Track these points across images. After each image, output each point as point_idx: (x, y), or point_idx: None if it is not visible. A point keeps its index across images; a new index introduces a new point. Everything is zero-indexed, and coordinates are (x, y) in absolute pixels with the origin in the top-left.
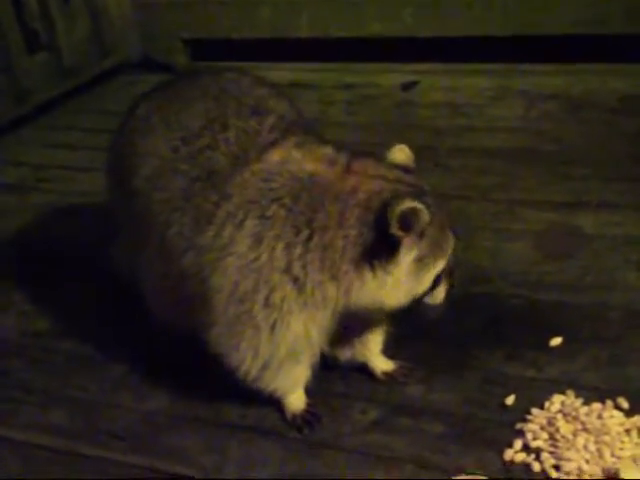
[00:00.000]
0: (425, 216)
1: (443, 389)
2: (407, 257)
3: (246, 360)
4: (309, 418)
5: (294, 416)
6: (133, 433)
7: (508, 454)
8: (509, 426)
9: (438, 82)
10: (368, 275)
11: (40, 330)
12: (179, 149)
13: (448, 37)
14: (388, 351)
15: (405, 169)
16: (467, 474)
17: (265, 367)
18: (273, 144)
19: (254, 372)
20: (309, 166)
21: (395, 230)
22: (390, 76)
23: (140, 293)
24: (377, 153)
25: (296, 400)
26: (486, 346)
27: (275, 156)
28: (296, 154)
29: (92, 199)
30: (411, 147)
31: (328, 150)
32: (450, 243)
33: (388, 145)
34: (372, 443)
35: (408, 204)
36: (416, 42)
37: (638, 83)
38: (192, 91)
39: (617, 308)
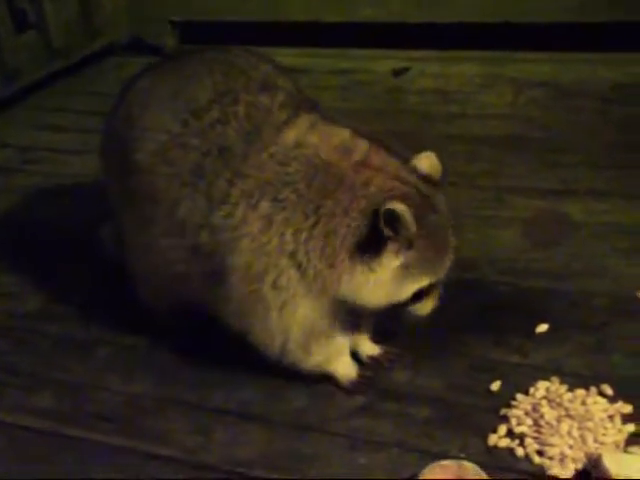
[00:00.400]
0: (408, 222)
1: (429, 374)
2: (392, 261)
3: (264, 339)
4: (365, 380)
5: (350, 382)
6: (119, 415)
7: (492, 439)
8: (494, 412)
9: (429, 69)
10: (357, 268)
11: (27, 312)
12: (188, 122)
13: (439, 23)
14: (376, 336)
15: (426, 178)
16: (452, 459)
17: (286, 346)
18: (287, 123)
19: (276, 351)
20: (325, 153)
21: (383, 228)
22: (382, 62)
23: (129, 276)
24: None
25: (344, 369)
26: (473, 332)
27: (290, 137)
28: (312, 138)
29: (79, 181)
30: (400, 133)
31: (345, 135)
32: (444, 268)
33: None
34: (357, 427)
35: (394, 205)
36: (408, 28)
37: (628, 72)
38: (198, 65)
39: (603, 295)
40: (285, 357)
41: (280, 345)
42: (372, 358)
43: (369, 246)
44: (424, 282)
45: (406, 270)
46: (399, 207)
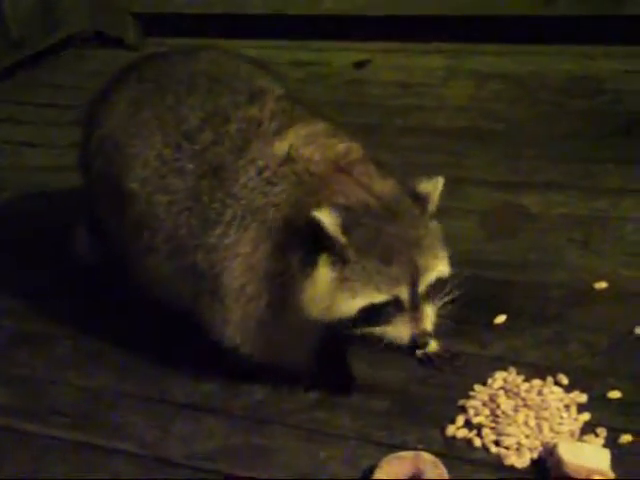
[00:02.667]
0: (329, 232)
1: (388, 367)
2: (325, 272)
3: (258, 352)
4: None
5: (311, 384)
6: (77, 410)
7: (450, 430)
8: (452, 403)
9: (390, 61)
10: (303, 280)
11: None
12: (182, 147)
13: (401, 16)
14: None
15: (415, 197)
16: (410, 450)
17: (276, 353)
18: (278, 134)
19: (268, 360)
20: (314, 168)
21: (310, 238)
22: (343, 54)
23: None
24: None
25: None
26: None
27: (281, 150)
28: (304, 151)
29: (37, 175)
30: (361, 126)
31: (340, 148)
32: (394, 285)
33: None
34: (317, 419)
35: (317, 213)
36: (369, 21)
37: (587, 64)
38: (178, 81)
39: (560, 286)
40: (273, 362)
41: (271, 355)
42: (428, 356)
43: (309, 257)
44: (370, 300)
45: (343, 283)
46: (321, 216)
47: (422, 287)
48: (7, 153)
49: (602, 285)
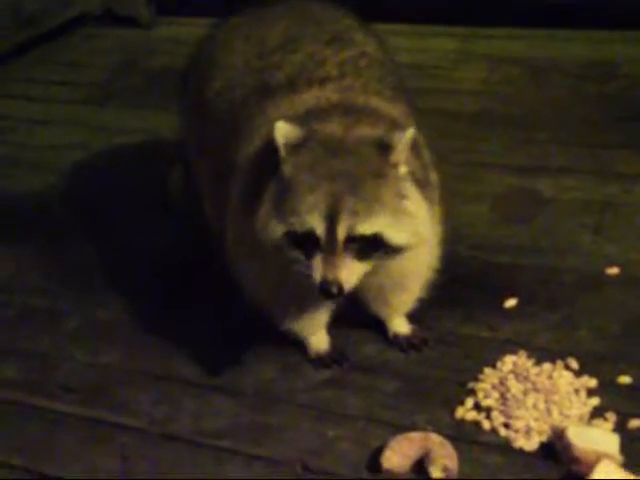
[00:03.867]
0: (279, 141)
1: (398, 348)
2: (271, 190)
3: (244, 286)
4: (335, 356)
5: (318, 355)
6: (85, 386)
7: (459, 412)
8: (461, 385)
9: (402, 44)
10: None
11: None
12: (250, 63)
13: None
14: (350, 309)
15: (380, 143)
16: (418, 431)
17: (271, 301)
18: (321, 82)
19: (255, 301)
20: (330, 128)
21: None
22: None
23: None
24: None
25: (319, 341)
26: (442, 307)
27: (311, 98)
28: (331, 111)
29: (49, 152)
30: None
31: (367, 129)
32: (309, 214)
33: None
34: (325, 399)
35: (277, 124)
36: (382, 2)
37: (601, 49)
38: (278, 11)
39: (571, 271)
40: (275, 317)
41: (255, 295)
42: (397, 337)
43: (270, 175)
44: (289, 225)
45: (277, 205)
46: (279, 126)
47: (342, 230)
48: (20, 130)
49: (614, 270)
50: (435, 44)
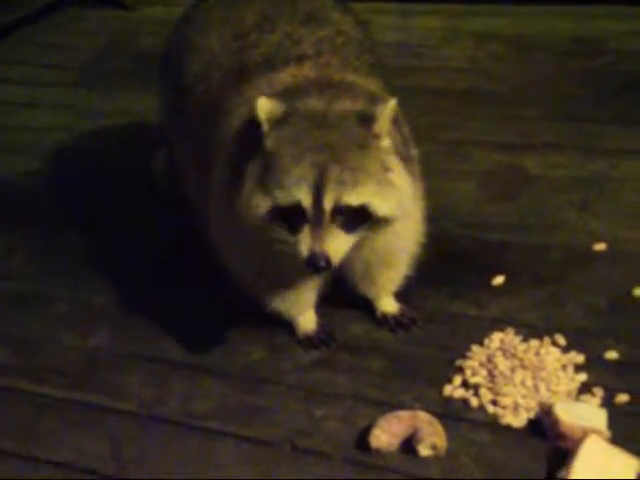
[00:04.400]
0: (260, 117)
1: (386, 327)
2: (254, 167)
3: (229, 268)
4: (323, 337)
5: (306, 336)
6: (74, 370)
7: (447, 390)
8: (449, 363)
9: (388, 22)
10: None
11: None
12: (227, 45)
13: None
14: (337, 289)
15: (362, 115)
16: (407, 409)
17: (257, 283)
18: (300, 59)
19: (241, 283)
20: (311, 103)
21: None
22: None
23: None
24: None
25: (307, 321)
26: (430, 285)
27: (289, 76)
28: (309, 88)
29: (33, 135)
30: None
31: (346, 103)
32: (296, 187)
33: None
34: (314, 379)
35: (258, 100)
36: None
37: (587, 25)
38: None
39: (558, 248)
40: (261, 297)
41: (241, 278)
42: (385, 316)
43: (250, 153)
44: (275, 199)
45: (261, 179)
46: (260, 102)
47: (328, 201)
48: (2, 113)
49: (601, 246)
50: (421, 22)
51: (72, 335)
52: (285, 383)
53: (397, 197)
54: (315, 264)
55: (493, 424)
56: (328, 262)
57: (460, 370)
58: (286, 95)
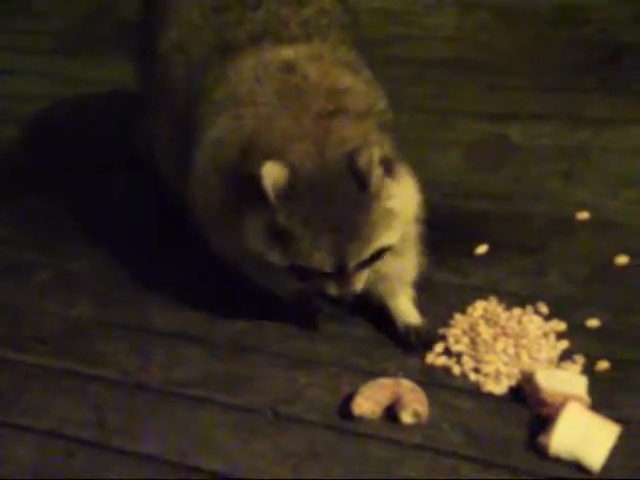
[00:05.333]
0: (268, 191)
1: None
2: (261, 222)
3: (218, 243)
4: (310, 309)
5: (292, 309)
6: (57, 338)
7: (429, 358)
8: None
9: None
10: (243, 208)
11: None
12: (208, 17)
13: None
14: None
15: (353, 169)
16: (389, 377)
17: (243, 261)
18: (292, 41)
19: (233, 261)
20: (303, 92)
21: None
22: None
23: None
24: None
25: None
26: None
27: (286, 55)
28: (306, 67)
29: (14, 103)
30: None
31: (341, 81)
32: (319, 264)
33: None
34: (297, 348)
35: (263, 168)
36: None
37: None
38: None
39: (542, 217)
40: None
41: (227, 257)
42: (409, 330)
43: (251, 197)
44: (295, 261)
45: (276, 239)
46: (266, 172)
47: (351, 264)
48: None
49: (584, 215)
50: None
51: (55, 303)
52: (269, 351)
53: (403, 219)
54: (343, 300)
55: (475, 392)
56: (355, 293)
57: (443, 338)
58: (280, 141)
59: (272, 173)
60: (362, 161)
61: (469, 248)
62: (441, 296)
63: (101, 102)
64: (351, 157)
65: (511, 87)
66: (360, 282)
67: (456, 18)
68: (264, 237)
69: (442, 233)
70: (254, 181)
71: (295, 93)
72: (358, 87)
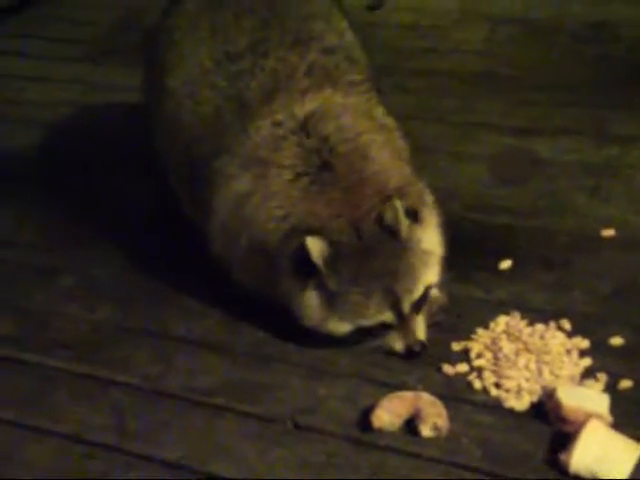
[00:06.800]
0: (316, 261)
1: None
2: (313, 295)
3: (241, 282)
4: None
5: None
6: (79, 342)
7: (451, 372)
8: (453, 345)
9: (403, 3)
10: (289, 283)
11: None
12: (222, 64)
13: None
14: None
15: (385, 227)
16: (409, 390)
17: (256, 286)
18: (305, 92)
19: (252, 290)
20: (322, 156)
21: (299, 262)
22: None
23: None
24: None
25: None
26: None
27: (300, 112)
28: (321, 126)
29: (43, 110)
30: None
31: (358, 141)
32: (378, 314)
33: None
34: (318, 358)
35: (306, 241)
36: None
37: (602, 10)
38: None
39: (567, 233)
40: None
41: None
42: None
43: (299, 274)
44: (356, 324)
45: (331, 308)
46: (310, 244)
47: (406, 307)
48: (13, 87)
49: (609, 232)
50: (435, 3)
51: (78, 308)
52: (289, 361)
53: (437, 257)
54: (413, 354)
55: (496, 407)
56: (424, 347)
57: (465, 352)
58: (317, 209)
59: (316, 246)
60: (389, 216)
61: (493, 263)
62: (464, 310)
63: (127, 108)
64: (380, 216)
65: (538, 102)
66: (421, 329)
67: (483, 32)
68: (316, 311)
69: (466, 247)
70: (298, 258)
71: (316, 160)
72: (376, 143)
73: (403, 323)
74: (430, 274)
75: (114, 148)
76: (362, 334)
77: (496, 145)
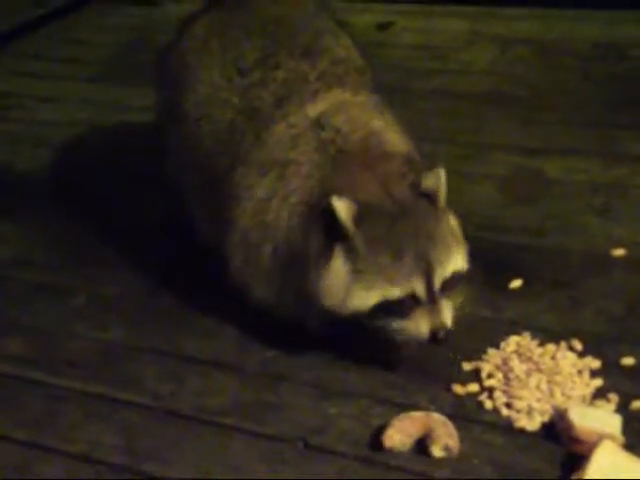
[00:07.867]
0: (342, 219)
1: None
2: (339, 263)
3: (258, 297)
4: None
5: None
6: (90, 362)
7: (461, 392)
8: (464, 365)
9: (413, 23)
10: (318, 267)
11: (2, 259)
12: (233, 80)
13: None
14: None
15: (423, 194)
16: (420, 410)
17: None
18: (316, 94)
19: (272, 306)
20: (341, 142)
21: (325, 227)
22: (366, 16)
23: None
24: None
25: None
26: None
27: (313, 112)
28: (334, 120)
29: (55, 129)
30: (382, 88)
31: (372, 128)
32: (408, 280)
33: None
34: (328, 378)
35: (332, 202)
36: None
37: (611, 30)
38: (250, 18)
39: (576, 253)
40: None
41: (275, 305)
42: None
43: (325, 246)
44: (383, 293)
45: (357, 276)
46: (337, 204)
47: (437, 281)
48: (26, 107)
49: (619, 252)
50: (445, 24)
51: (89, 327)
52: (300, 380)
53: (463, 244)
54: (438, 339)
55: (507, 427)
56: (448, 333)
57: (475, 372)
58: (341, 178)
59: (343, 205)
60: (431, 180)
61: (503, 282)
62: (474, 330)
63: (138, 128)
64: (416, 182)
65: (547, 122)
66: (448, 315)
67: (493, 53)
68: (342, 283)
69: (476, 267)
70: (325, 224)
71: (332, 149)
72: (387, 128)
73: (431, 301)
74: (460, 257)
75: (126, 167)
76: (386, 312)
77: (506, 165)
